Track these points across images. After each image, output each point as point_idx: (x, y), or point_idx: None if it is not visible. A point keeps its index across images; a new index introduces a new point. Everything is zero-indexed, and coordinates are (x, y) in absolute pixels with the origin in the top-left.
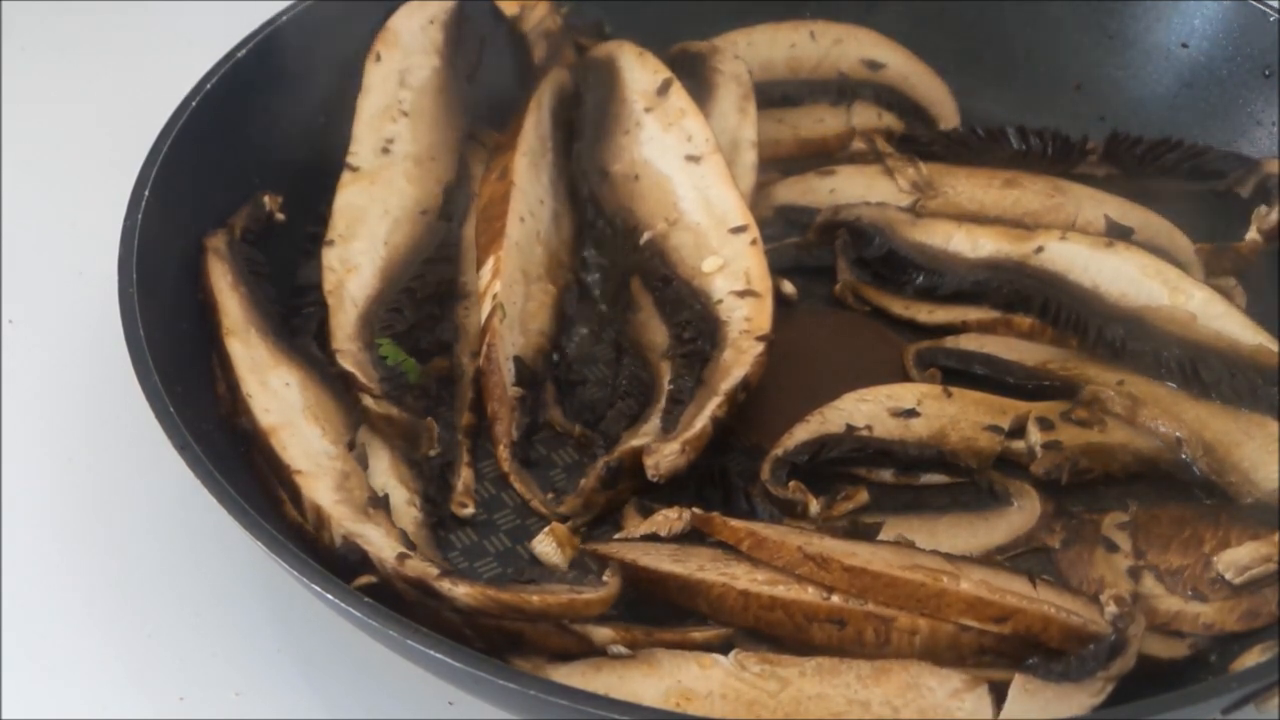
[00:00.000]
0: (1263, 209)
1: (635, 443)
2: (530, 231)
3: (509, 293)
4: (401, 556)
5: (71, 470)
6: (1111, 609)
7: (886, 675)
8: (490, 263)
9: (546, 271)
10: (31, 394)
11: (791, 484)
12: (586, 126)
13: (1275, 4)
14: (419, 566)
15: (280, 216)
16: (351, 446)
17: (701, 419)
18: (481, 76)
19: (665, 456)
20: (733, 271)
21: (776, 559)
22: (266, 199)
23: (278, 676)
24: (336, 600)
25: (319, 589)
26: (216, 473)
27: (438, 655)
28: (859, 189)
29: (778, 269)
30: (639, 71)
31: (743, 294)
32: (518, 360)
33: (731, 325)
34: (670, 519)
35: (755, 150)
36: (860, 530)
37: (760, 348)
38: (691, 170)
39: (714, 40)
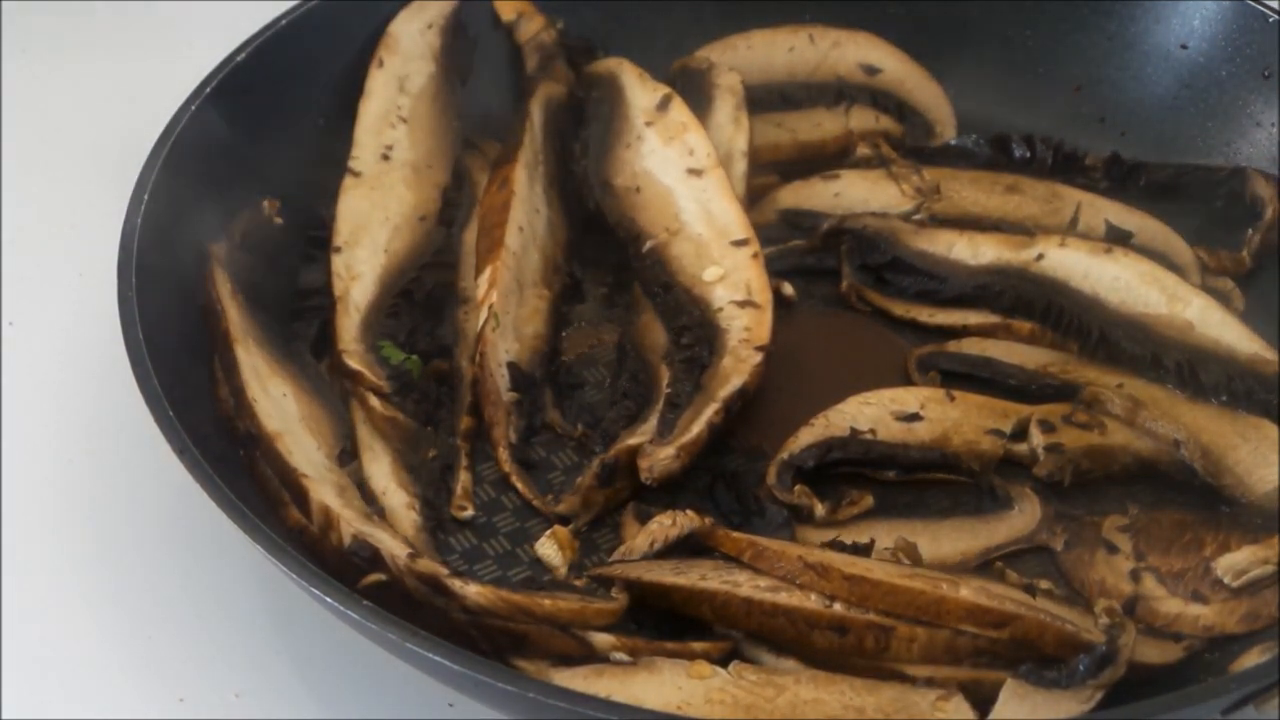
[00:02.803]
0: (1249, 232)
1: (631, 441)
2: (526, 239)
3: (504, 301)
4: (413, 555)
5: (71, 472)
6: (1104, 620)
7: (877, 688)
8: (488, 272)
9: (541, 277)
10: (31, 396)
11: (797, 488)
12: (589, 141)
13: (1275, 5)
14: (431, 565)
15: (279, 221)
16: (341, 463)
17: (698, 425)
18: (478, 85)
19: (659, 460)
20: (733, 282)
21: (777, 569)
22: (266, 204)
23: (278, 677)
24: (334, 603)
25: (317, 592)
26: (215, 476)
27: (437, 658)
28: (863, 193)
29: (778, 271)
30: (640, 88)
31: (743, 304)
32: (512, 366)
33: (731, 334)
34: (664, 525)
35: (746, 160)
36: (857, 547)
37: (759, 357)
38: (693, 183)
39: (713, 44)
